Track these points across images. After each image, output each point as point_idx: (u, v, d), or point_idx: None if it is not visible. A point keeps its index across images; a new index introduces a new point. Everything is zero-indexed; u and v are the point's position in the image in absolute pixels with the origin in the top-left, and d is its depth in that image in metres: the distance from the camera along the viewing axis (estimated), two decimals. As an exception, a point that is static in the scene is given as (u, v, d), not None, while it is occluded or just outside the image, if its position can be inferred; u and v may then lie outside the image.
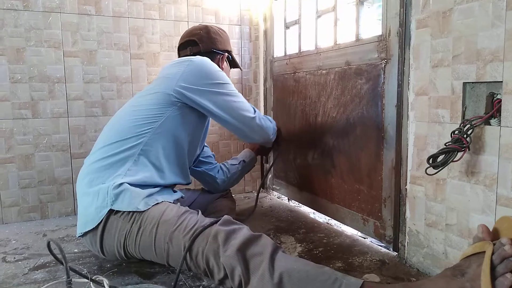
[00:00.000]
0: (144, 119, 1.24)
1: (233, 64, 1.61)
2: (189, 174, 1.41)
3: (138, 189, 1.15)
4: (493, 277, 0.70)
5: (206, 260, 1.00)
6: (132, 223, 1.11)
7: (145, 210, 1.12)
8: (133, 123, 1.24)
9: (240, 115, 1.37)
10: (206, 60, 1.34)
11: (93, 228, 1.15)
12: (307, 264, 0.92)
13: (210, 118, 1.43)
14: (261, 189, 2.10)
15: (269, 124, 1.53)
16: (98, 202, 1.13)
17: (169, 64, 1.37)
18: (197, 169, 1.59)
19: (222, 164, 1.67)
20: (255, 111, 1.43)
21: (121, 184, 1.13)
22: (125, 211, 1.12)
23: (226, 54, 1.54)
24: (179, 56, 1.53)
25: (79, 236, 1.20)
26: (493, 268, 0.71)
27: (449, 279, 0.77)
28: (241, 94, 1.40)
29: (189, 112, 1.31)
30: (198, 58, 1.34)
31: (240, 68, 1.73)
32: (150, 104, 1.27)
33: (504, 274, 0.69)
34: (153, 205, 1.13)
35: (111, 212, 1.12)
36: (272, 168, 2.00)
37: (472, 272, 0.74)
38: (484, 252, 0.73)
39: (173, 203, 1.20)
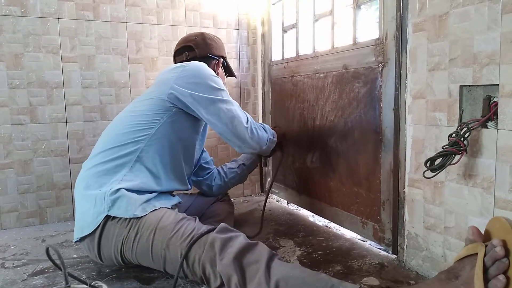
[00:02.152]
0: (141, 125, 1.25)
1: (228, 71, 1.61)
2: (186, 180, 1.40)
3: (135, 195, 1.15)
4: (486, 279, 0.70)
5: (203, 268, 1.00)
6: (129, 229, 1.11)
7: (142, 216, 1.12)
8: (130, 129, 1.24)
9: (231, 123, 1.31)
10: (201, 65, 1.33)
11: (90, 234, 1.15)
12: (303, 271, 0.92)
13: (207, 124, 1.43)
14: (269, 195, 1.97)
15: (263, 134, 1.44)
16: (96, 208, 1.13)
17: (165, 70, 1.37)
18: (193, 179, 1.58)
19: (220, 167, 1.66)
20: (248, 121, 1.37)
21: (118, 190, 1.13)
22: (122, 217, 1.12)
23: (222, 59, 1.54)
24: (175, 62, 1.53)
25: (76, 241, 1.20)
26: (485, 270, 0.71)
27: (444, 282, 0.77)
28: (236, 102, 1.36)
29: (185, 118, 1.31)
30: (193, 63, 1.34)
31: (235, 76, 1.68)
32: (146, 110, 1.27)
33: (496, 276, 0.69)
34: (150, 211, 1.13)
35: (108, 217, 1.13)
36: (275, 174, 1.92)
37: (466, 275, 0.74)
38: (477, 254, 0.73)
39: (171, 208, 1.20)
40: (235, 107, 1.34)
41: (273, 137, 1.54)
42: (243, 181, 1.74)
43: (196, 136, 1.41)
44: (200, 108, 1.28)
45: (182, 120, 1.30)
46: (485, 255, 0.72)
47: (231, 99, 1.35)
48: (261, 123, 1.52)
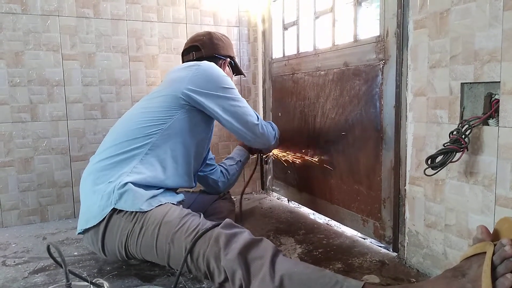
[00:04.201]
0: (153, 120, 1.26)
1: (236, 70, 1.64)
2: (193, 178, 1.42)
3: (141, 190, 1.16)
4: (494, 277, 0.70)
5: (207, 263, 1.00)
6: (135, 223, 1.12)
7: (148, 211, 1.12)
8: (142, 125, 1.26)
9: (244, 120, 1.40)
10: (213, 65, 1.38)
11: (94, 226, 1.15)
12: (308, 267, 0.92)
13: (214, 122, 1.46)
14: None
15: (271, 130, 1.57)
16: (103, 201, 1.14)
17: (177, 68, 1.40)
18: (200, 174, 1.60)
19: (220, 165, 1.68)
20: (258, 118, 1.46)
21: (125, 184, 1.14)
22: (128, 211, 1.12)
23: (228, 59, 1.57)
24: (183, 61, 1.57)
25: (79, 233, 1.21)
26: (493, 268, 0.71)
27: (450, 280, 0.77)
28: (245, 100, 1.43)
29: (197, 115, 1.34)
30: (205, 63, 1.38)
31: (244, 75, 1.75)
32: (159, 106, 1.29)
33: (504, 274, 0.69)
34: (156, 206, 1.14)
35: (114, 211, 1.13)
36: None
37: (473, 273, 0.74)
38: (485, 253, 0.73)
39: (176, 205, 1.20)
40: (246, 104, 1.42)
41: (278, 135, 1.65)
42: (238, 177, 1.75)
43: (208, 134, 1.44)
44: (214, 107, 1.33)
45: (194, 117, 1.33)
46: (493, 254, 0.72)
47: (241, 97, 1.41)
48: (269, 121, 1.61)
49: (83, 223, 1.18)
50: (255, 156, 1.85)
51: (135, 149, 1.22)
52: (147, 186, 1.19)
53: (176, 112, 1.29)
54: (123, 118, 1.36)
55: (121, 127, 1.30)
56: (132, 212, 1.12)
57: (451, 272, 0.78)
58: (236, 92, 1.39)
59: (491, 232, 0.78)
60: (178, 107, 1.29)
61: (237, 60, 1.65)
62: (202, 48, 1.51)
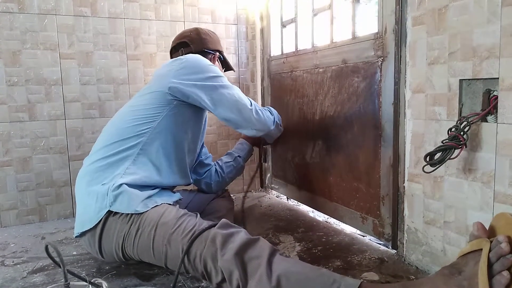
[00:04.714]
0: (142, 118, 1.25)
1: (225, 65, 1.62)
2: (189, 174, 1.41)
3: (137, 191, 1.15)
4: (490, 275, 0.70)
5: (204, 264, 1.00)
6: (131, 225, 1.11)
7: (143, 212, 1.12)
8: (132, 123, 1.25)
9: (236, 107, 1.34)
10: (198, 56, 1.36)
11: (91, 229, 1.15)
12: (305, 266, 0.92)
13: (207, 116, 1.44)
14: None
15: (269, 115, 1.50)
16: (98, 203, 1.14)
17: (163, 64, 1.38)
18: (193, 177, 1.57)
19: (216, 163, 1.65)
20: (251, 104, 1.40)
21: (120, 185, 1.13)
22: (123, 213, 1.12)
23: (218, 53, 1.55)
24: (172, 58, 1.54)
25: (76, 236, 1.20)
26: (490, 266, 0.70)
27: (447, 277, 0.77)
28: (236, 86, 1.39)
29: (187, 110, 1.32)
30: (190, 55, 1.36)
31: (233, 70, 1.69)
32: (147, 104, 1.28)
33: (500, 272, 0.68)
34: (152, 207, 1.13)
35: (109, 213, 1.13)
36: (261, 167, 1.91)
37: (470, 270, 0.74)
38: (481, 249, 0.73)
39: (172, 205, 1.20)
40: (237, 91, 1.37)
41: (279, 120, 1.59)
42: (240, 173, 1.71)
43: (200, 128, 1.42)
44: (203, 97, 1.29)
45: (184, 112, 1.31)
46: (489, 251, 0.71)
47: (231, 84, 1.37)
48: (267, 107, 1.56)
49: (79, 226, 1.18)
50: (259, 148, 1.80)
51: (126, 150, 1.21)
52: (142, 186, 1.18)
53: (164, 108, 1.27)
54: (114, 117, 1.35)
55: (112, 127, 1.29)
56: (128, 214, 1.11)
57: (448, 269, 0.78)
58: (224, 80, 1.34)
59: (488, 229, 0.78)
60: (166, 103, 1.27)
61: (234, 57, 1.64)
62: (191, 43, 1.49)
